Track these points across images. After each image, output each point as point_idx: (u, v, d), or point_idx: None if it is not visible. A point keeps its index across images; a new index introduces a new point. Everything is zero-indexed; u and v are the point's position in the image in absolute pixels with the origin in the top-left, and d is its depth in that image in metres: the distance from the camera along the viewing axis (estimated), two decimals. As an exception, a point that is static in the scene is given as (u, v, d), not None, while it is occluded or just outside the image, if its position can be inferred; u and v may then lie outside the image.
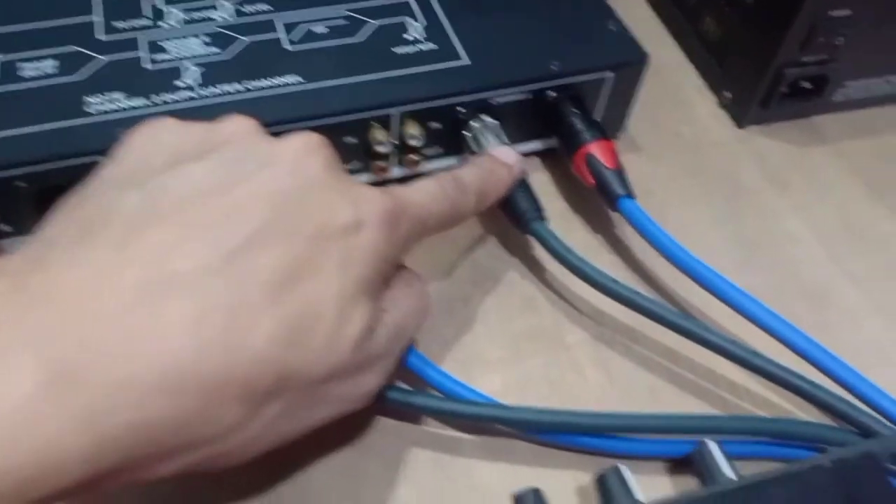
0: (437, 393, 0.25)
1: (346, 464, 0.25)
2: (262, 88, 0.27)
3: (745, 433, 0.24)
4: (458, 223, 0.26)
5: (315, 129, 0.26)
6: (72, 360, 0.16)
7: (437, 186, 0.24)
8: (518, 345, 0.28)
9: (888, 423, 0.24)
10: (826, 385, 0.24)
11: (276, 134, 0.21)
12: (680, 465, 0.25)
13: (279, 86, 0.28)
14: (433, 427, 0.26)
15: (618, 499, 0.21)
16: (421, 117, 0.29)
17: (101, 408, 0.16)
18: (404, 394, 0.24)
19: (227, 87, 0.27)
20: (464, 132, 0.30)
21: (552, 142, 0.32)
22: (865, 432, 0.24)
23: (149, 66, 0.28)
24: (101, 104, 0.26)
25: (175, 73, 0.28)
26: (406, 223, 0.22)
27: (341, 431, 0.25)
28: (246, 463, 0.21)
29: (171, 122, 0.21)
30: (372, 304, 0.20)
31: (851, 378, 0.24)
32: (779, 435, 0.24)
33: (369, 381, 0.21)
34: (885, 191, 0.34)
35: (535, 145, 0.33)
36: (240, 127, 0.21)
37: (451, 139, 0.30)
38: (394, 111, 0.28)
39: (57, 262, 0.17)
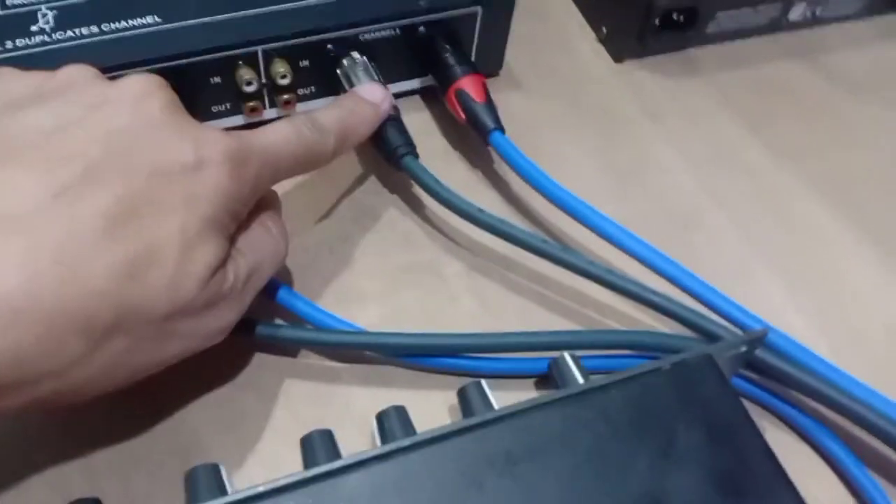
0: (308, 325, 0.25)
1: (223, 398, 0.25)
2: (120, 30, 0.27)
3: (600, 346, 0.25)
4: (320, 164, 0.26)
5: (178, 69, 0.27)
6: None
7: (291, 128, 0.24)
8: (395, 279, 0.29)
9: (736, 330, 0.25)
10: (683, 300, 0.26)
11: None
12: (545, 381, 0.26)
13: (138, 27, 0.27)
14: (310, 359, 0.26)
15: (476, 407, 0.22)
16: (289, 55, 0.29)
17: None
18: (273, 328, 0.25)
19: (83, 30, 0.27)
20: (336, 70, 0.30)
21: (429, 80, 0.33)
22: (714, 339, 0.25)
23: (1, 12, 0.27)
24: (-51, 50, 0.26)
25: (30, 17, 0.27)
26: (253, 164, 0.22)
27: (217, 367, 0.25)
28: (112, 397, 0.21)
29: (7, 70, 0.22)
30: (219, 243, 0.21)
31: (702, 289, 0.26)
32: (632, 346, 0.25)
33: (220, 319, 0.22)
34: (755, 120, 0.35)
35: (412, 84, 0.33)
36: (77, 73, 0.21)
37: (324, 78, 0.30)
38: (258, 49, 0.28)
39: None
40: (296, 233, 0.28)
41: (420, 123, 0.33)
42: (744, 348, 0.24)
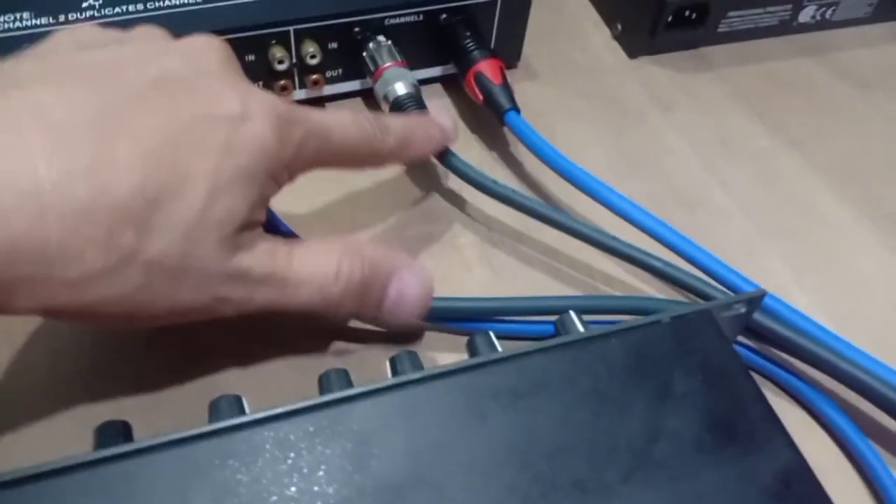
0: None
1: (253, 355, 0.26)
2: (163, 7, 0.29)
3: (604, 310, 0.26)
4: (375, 161, 0.27)
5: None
6: None
7: (350, 114, 0.25)
8: (411, 248, 0.30)
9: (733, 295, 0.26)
10: (683, 266, 0.27)
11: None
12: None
13: (179, 5, 0.29)
14: (331, 322, 0.28)
15: (482, 350, 0.23)
16: (318, 36, 0.31)
17: None
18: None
19: (129, 7, 0.29)
20: (363, 53, 0.32)
21: (450, 69, 0.35)
22: (714, 304, 0.26)
23: (57, -12, 0.30)
24: (9, 23, 0.28)
25: (82, -6, 0.30)
26: (299, 128, 0.22)
27: (250, 325, 0.27)
28: (146, 342, 0.23)
29: (89, 25, 0.23)
30: (250, 197, 0.21)
31: (704, 258, 0.27)
32: (635, 310, 0.26)
33: (231, 291, 0.21)
34: (764, 111, 0.37)
35: (434, 71, 0.35)
36: (148, 29, 0.23)
37: (351, 61, 0.32)
38: (291, 29, 0.30)
39: None
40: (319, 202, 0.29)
41: (440, 109, 0.35)
42: (743, 308, 0.25)
